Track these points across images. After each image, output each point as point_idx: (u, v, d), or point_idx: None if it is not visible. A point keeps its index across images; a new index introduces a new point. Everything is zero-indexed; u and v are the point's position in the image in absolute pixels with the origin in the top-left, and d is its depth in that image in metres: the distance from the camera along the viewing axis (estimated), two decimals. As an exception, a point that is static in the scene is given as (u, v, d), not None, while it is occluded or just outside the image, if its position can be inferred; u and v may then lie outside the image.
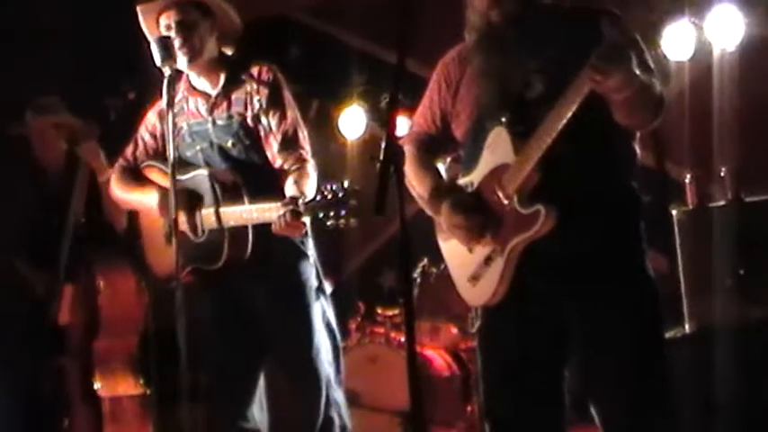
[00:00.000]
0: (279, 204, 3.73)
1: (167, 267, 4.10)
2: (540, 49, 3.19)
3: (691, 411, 4.46)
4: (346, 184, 3.53)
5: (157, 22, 4.12)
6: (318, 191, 3.62)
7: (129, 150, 4.42)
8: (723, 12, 5.95)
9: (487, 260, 3.21)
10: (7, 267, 5.10)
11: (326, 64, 7.51)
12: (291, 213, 3.68)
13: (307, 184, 3.95)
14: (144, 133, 4.37)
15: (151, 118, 4.35)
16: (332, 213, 3.51)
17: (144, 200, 4.29)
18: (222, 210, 4.00)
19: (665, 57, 5.91)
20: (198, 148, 4.20)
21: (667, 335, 4.66)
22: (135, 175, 4.37)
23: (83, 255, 5.04)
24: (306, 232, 4.12)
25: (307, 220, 3.69)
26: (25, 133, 5.16)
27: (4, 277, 5.07)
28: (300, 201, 3.68)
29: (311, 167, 4.06)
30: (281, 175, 4.06)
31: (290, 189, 3.92)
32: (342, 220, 3.51)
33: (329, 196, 3.53)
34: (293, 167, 4.04)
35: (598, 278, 3.13)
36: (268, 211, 3.79)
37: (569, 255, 3.12)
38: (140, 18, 4.16)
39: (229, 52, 4.26)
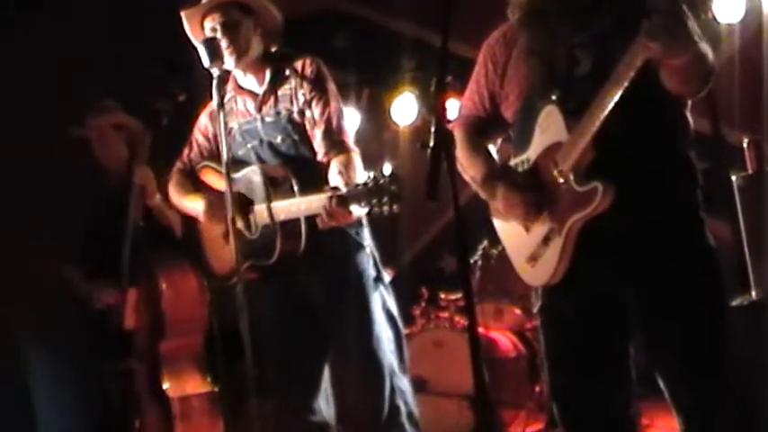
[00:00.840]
0: (324, 195, 3.73)
1: (227, 265, 4.15)
2: (585, 23, 3.15)
3: (757, 378, 4.40)
4: (387, 170, 3.54)
5: (202, 25, 4.16)
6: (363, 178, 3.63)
7: (185, 153, 4.49)
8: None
9: (546, 240, 3.18)
10: (70, 274, 5.17)
11: (375, 52, 7.51)
12: (337, 201, 3.68)
13: (353, 173, 3.94)
14: (197, 135, 4.43)
15: (203, 120, 4.41)
16: (374, 200, 3.54)
17: (192, 207, 4.35)
18: (273, 204, 4.01)
19: (715, 20, 5.82)
20: (249, 146, 4.23)
21: (734, 303, 4.62)
22: (190, 180, 4.43)
23: (143, 258, 5.09)
24: (360, 222, 4.12)
25: (353, 208, 3.69)
26: (86, 135, 5.23)
27: (70, 284, 5.15)
28: (343, 189, 3.68)
29: (356, 156, 4.06)
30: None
31: (334, 178, 3.92)
32: (385, 207, 3.53)
33: (370, 184, 3.55)
34: (337, 156, 4.03)
35: (657, 252, 3.09)
36: (315, 202, 3.79)
37: (628, 230, 3.08)
38: (185, 22, 4.19)
39: (273, 49, 4.28)
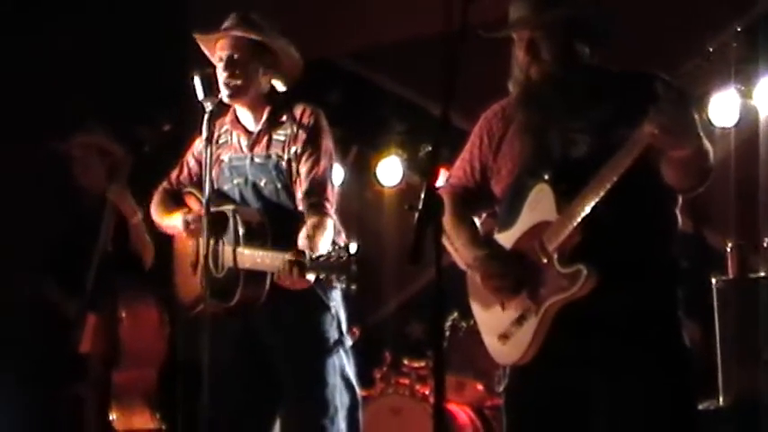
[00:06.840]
0: (286, 256, 3.68)
1: (193, 294, 4.13)
2: (583, 109, 3.16)
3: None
4: (353, 248, 3.52)
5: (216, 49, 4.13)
6: (328, 249, 3.62)
7: (174, 174, 4.43)
8: (770, 80, 5.88)
9: (520, 319, 3.13)
10: (34, 290, 5.09)
11: (367, 110, 7.49)
12: (295, 267, 3.63)
13: (320, 239, 3.86)
14: (190, 158, 4.38)
15: (198, 145, 4.31)
16: (332, 276, 3.52)
17: (173, 223, 4.29)
18: (239, 250, 3.97)
19: (710, 123, 5.84)
20: (235, 182, 4.18)
21: (699, 407, 4.58)
22: (173, 200, 4.37)
23: (108, 283, 5.03)
24: None
25: (311, 276, 3.64)
26: (69, 152, 5.18)
27: (29, 300, 5.07)
28: (307, 256, 3.62)
29: (329, 222, 3.97)
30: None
31: (302, 241, 3.84)
32: (342, 285, 3.53)
33: (333, 258, 3.53)
34: (311, 218, 3.96)
35: (632, 343, 3.05)
36: (278, 261, 3.73)
37: (604, 318, 3.04)
38: (201, 46, 4.17)
39: (283, 88, 4.20)
